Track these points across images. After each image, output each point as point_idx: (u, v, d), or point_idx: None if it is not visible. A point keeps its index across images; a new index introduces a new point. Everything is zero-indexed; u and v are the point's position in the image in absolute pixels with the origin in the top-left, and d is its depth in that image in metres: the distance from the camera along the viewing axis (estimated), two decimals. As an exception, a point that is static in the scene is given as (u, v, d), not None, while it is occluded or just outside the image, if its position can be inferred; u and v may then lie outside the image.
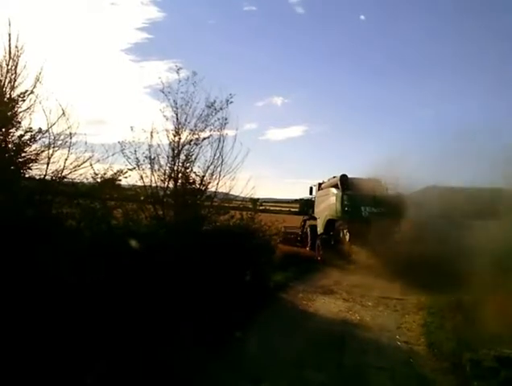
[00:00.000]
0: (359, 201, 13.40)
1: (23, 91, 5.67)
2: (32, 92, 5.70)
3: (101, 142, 6.80)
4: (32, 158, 5.71)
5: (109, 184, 6.39)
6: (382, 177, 14.52)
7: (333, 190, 14.97)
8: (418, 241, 10.87)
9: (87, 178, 6.20)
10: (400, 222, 12.05)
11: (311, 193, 19.19)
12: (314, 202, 18.33)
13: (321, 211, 16.51)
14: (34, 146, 5.74)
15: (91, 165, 6.12)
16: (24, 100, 5.67)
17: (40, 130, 5.75)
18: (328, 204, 15.27)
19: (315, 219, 17.62)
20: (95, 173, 6.18)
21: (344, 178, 14.23)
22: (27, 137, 5.63)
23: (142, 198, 7.37)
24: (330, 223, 15.12)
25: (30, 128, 5.70)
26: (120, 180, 6.55)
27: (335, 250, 13.47)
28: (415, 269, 10.07)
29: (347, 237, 13.61)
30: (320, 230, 16.08)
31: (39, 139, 5.79)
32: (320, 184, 18.18)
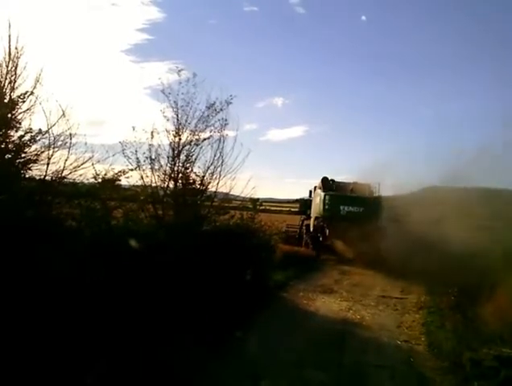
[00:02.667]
0: (338, 201, 14.91)
1: (23, 92, 5.68)
2: (32, 93, 5.71)
3: (102, 143, 6.82)
4: (32, 158, 5.72)
5: (110, 184, 6.40)
6: (372, 180, 15.88)
7: (319, 191, 16.47)
8: (390, 238, 12.17)
9: (87, 179, 6.22)
10: (376, 220, 13.50)
11: (310, 196, 20.18)
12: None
13: (313, 211, 17.84)
14: (34, 147, 5.76)
15: (93, 164, 6.13)
16: (24, 102, 5.67)
17: (40, 131, 5.76)
18: (315, 204, 16.81)
19: (310, 218, 18.66)
20: (96, 173, 6.20)
21: (324, 179, 16.02)
22: (27, 137, 5.63)
23: (142, 198, 7.37)
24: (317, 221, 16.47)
25: (31, 129, 5.71)
26: (120, 180, 6.58)
27: (322, 245, 14.83)
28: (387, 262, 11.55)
29: (327, 232, 15.10)
30: (311, 228, 17.22)
31: (39, 140, 5.80)
32: (315, 187, 19.24)
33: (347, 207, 14.60)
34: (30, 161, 5.70)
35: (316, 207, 16.34)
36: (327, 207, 15.03)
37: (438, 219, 14.00)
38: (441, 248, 11.37)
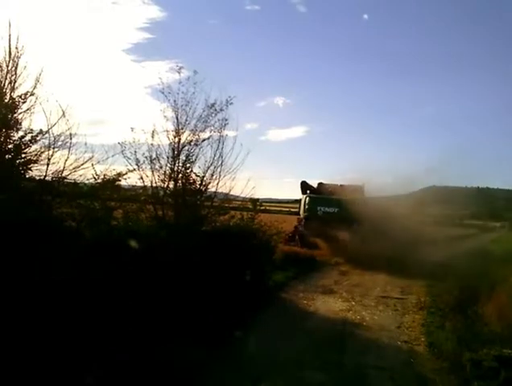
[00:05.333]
0: (316, 202, 16.65)
1: (24, 92, 5.68)
2: (32, 93, 5.71)
3: (102, 143, 6.84)
4: (32, 158, 5.73)
5: (110, 185, 6.40)
6: (360, 182, 17.28)
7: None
8: (362, 236, 14.00)
9: (88, 179, 6.22)
10: (350, 219, 14.86)
11: None
12: None
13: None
14: (34, 147, 5.77)
15: (93, 165, 6.14)
16: (25, 102, 5.67)
17: (41, 131, 5.76)
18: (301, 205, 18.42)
19: None
20: (96, 174, 6.21)
21: (303, 183, 17.75)
22: (28, 138, 5.64)
23: (142, 198, 7.38)
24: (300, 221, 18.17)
25: (31, 129, 5.72)
26: (120, 180, 6.58)
27: (307, 243, 15.87)
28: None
29: (307, 231, 16.62)
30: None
31: (39, 140, 5.81)
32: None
33: (323, 208, 16.30)
34: (30, 161, 5.71)
35: (301, 207, 18.16)
36: (306, 207, 16.85)
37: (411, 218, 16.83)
38: (405, 242, 14.07)
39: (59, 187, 5.92)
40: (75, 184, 6.09)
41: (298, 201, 23.52)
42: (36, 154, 5.77)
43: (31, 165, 5.72)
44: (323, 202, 16.52)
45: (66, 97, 6.01)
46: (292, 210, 29.15)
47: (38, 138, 5.77)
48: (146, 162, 7.24)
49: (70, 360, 4.04)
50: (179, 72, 7.56)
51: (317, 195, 17.29)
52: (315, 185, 18.92)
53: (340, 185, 17.61)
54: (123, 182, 6.76)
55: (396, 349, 5.79)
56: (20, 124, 5.66)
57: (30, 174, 5.74)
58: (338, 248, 14.55)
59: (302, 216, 17.45)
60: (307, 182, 18.20)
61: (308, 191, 17.86)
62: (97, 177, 6.18)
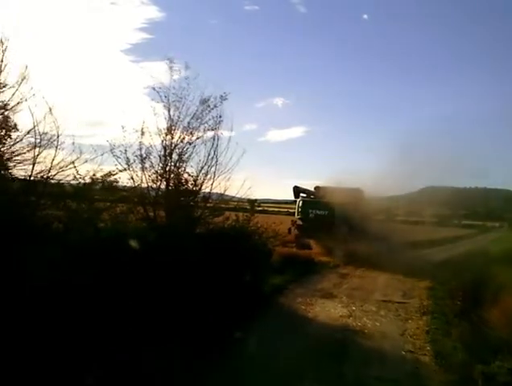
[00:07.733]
0: (308, 205, 17.77)
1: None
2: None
3: (100, 144, 6.62)
4: (17, 157, 5.46)
5: (98, 185, 6.13)
6: (360, 184, 18.03)
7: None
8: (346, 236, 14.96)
9: (76, 178, 5.94)
10: (339, 221, 15.88)
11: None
12: None
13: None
14: (18, 145, 5.51)
15: (75, 167, 5.84)
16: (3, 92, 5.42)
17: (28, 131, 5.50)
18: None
19: None
20: (82, 173, 5.92)
21: (295, 188, 18.54)
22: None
23: (135, 199, 7.07)
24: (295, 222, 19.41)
25: (15, 124, 5.47)
26: (109, 181, 6.30)
27: (302, 243, 16.91)
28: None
29: (300, 232, 17.82)
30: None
31: (24, 138, 5.57)
32: (315, 187, 20.51)
33: (315, 211, 17.35)
34: (14, 160, 5.43)
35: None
36: (299, 210, 17.97)
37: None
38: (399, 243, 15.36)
39: (45, 188, 5.65)
40: (61, 184, 5.82)
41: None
42: (20, 153, 5.49)
43: (15, 164, 5.45)
44: (314, 205, 17.57)
45: (61, 97, 5.88)
46: (290, 211, 29.06)
47: (23, 136, 5.51)
48: (136, 161, 6.94)
49: (70, 360, 3.95)
50: (171, 69, 7.31)
51: (311, 198, 18.27)
52: (311, 188, 19.20)
53: (338, 188, 17.95)
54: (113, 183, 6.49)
55: (400, 359, 5.46)
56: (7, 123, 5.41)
57: (14, 173, 5.48)
58: (328, 249, 15.49)
59: (296, 219, 18.39)
60: (302, 186, 19.08)
61: (305, 195, 18.55)
62: (82, 177, 5.88)
